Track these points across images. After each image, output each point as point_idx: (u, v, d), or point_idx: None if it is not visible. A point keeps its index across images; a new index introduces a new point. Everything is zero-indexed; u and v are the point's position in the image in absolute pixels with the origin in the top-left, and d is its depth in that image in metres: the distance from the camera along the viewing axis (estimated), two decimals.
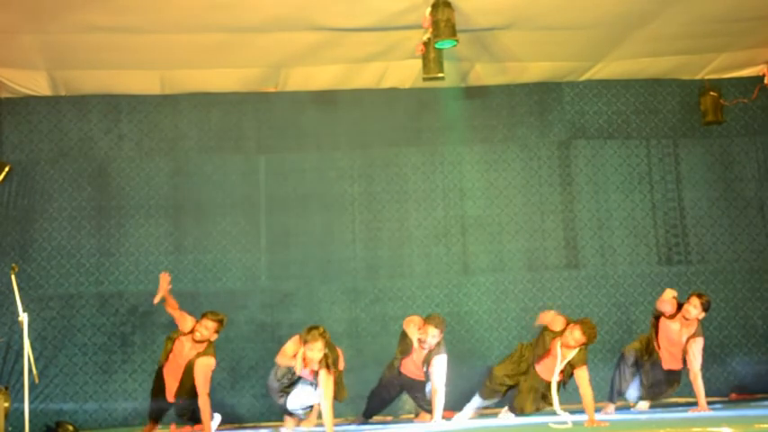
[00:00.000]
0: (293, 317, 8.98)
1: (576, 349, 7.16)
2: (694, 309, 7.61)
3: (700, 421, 6.18)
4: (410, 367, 7.67)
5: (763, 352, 9.29)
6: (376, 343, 8.87)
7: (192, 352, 7.31)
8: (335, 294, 9.08)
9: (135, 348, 8.76)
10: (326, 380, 6.66)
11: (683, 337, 7.73)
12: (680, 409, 7.89)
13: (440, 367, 7.44)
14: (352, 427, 7.86)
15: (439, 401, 7.43)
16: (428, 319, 7.47)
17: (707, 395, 8.79)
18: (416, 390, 7.78)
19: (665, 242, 9.48)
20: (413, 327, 7.56)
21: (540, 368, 7.49)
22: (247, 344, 8.89)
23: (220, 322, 7.32)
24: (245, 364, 8.83)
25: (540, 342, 7.46)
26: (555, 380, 7.23)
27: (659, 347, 7.82)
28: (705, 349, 9.15)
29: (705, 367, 9.11)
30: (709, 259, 9.48)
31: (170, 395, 7.40)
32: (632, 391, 7.90)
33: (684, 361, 7.74)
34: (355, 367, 8.68)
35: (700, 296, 7.68)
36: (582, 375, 7.08)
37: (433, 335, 7.38)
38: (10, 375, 8.32)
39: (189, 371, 7.27)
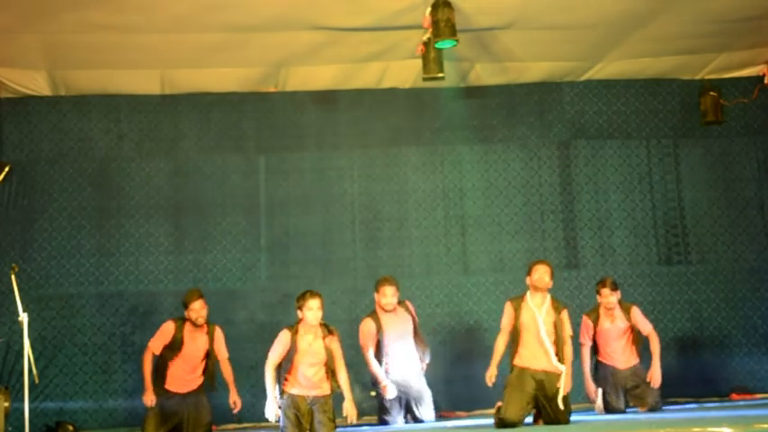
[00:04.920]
0: (293, 317, 8.95)
1: (548, 295, 7.00)
2: (610, 296, 7.83)
3: (700, 421, 6.18)
4: (391, 338, 7.76)
5: (763, 352, 9.29)
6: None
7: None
8: (335, 294, 9.07)
9: (135, 348, 8.74)
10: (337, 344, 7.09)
11: (620, 325, 7.86)
12: (679, 408, 7.90)
13: (413, 308, 7.95)
14: (350, 428, 7.86)
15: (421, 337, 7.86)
16: (381, 282, 7.83)
17: (707, 395, 8.87)
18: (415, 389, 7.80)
19: (665, 242, 9.48)
20: (370, 325, 7.78)
21: (526, 347, 6.94)
22: (247, 344, 8.87)
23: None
24: (245, 364, 8.80)
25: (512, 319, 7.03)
26: (544, 332, 6.83)
27: (606, 357, 7.90)
28: (705, 349, 9.24)
29: (705, 367, 9.17)
30: (709, 259, 9.48)
31: None
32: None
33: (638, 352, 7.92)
34: (355, 366, 8.68)
35: (603, 282, 7.93)
36: (566, 322, 7.00)
37: (392, 293, 7.76)
38: (10, 375, 8.32)
39: None
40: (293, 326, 7.04)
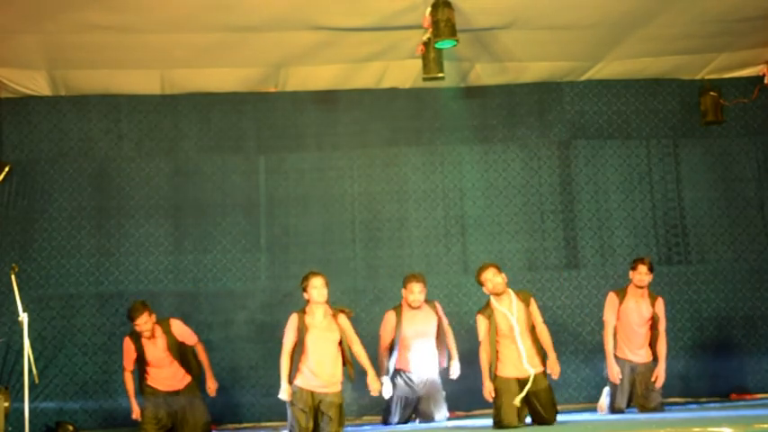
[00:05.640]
0: None
1: (510, 292, 6.91)
2: (645, 274, 7.71)
3: (700, 421, 6.18)
4: (410, 333, 7.73)
5: (763, 352, 9.29)
6: (376, 343, 8.84)
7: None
8: (335, 294, 8.98)
9: None
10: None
11: (644, 311, 7.74)
12: (679, 408, 7.89)
13: (441, 309, 7.88)
14: (351, 428, 7.86)
15: (452, 340, 7.86)
16: (409, 279, 7.75)
17: (707, 395, 8.87)
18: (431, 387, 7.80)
19: (665, 242, 9.48)
20: (391, 318, 7.80)
21: (505, 355, 6.88)
22: (247, 344, 8.89)
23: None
24: (245, 364, 8.83)
25: (487, 325, 6.93)
26: (518, 332, 6.78)
27: (623, 347, 7.77)
28: (705, 348, 9.23)
29: (705, 367, 9.16)
30: (709, 259, 9.48)
31: None
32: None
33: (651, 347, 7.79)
34: (355, 366, 8.68)
35: (642, 259, 7.83)
36: (536, 310, 6.94)
37: (420, 290, 7.68)
38: (10, 375, 8.33)
39: None
40: (301, 309, 7.03)
